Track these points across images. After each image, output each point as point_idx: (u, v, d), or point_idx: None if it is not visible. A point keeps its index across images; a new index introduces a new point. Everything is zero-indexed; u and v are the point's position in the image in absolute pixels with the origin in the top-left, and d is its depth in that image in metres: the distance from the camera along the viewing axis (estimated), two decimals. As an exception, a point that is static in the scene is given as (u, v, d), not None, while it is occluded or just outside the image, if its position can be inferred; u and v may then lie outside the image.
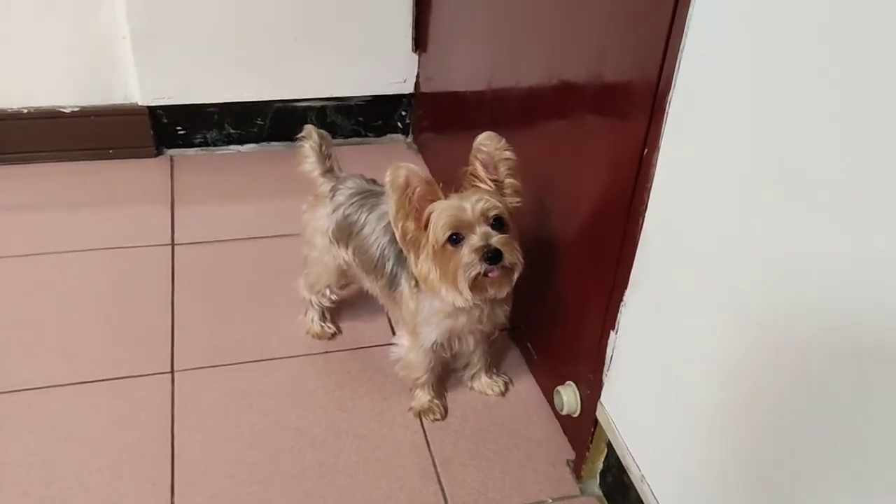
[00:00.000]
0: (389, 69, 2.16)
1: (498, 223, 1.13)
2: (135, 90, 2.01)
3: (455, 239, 1.12)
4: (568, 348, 1.33)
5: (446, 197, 1.14)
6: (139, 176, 2.03)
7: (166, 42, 1.95)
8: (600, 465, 1.26)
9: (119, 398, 1.37)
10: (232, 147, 2.17)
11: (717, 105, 0.85)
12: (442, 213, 1.12)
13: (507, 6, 1.48)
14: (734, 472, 0.90)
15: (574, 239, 1.25)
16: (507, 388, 1.45)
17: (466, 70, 1.76)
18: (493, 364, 1.46)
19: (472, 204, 1.11)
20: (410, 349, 1.33)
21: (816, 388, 0.75)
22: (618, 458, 1.17)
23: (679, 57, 0.89)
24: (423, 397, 1.38)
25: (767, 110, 0.78)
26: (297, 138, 1.41)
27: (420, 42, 2.11)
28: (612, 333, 1.13)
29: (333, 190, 1.37)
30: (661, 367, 1.03)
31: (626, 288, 1.08)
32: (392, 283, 1.30)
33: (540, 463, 1.32)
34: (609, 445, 1.21)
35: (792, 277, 0.77)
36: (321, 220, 1.39)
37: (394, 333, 1.52)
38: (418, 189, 1.12)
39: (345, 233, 1.35)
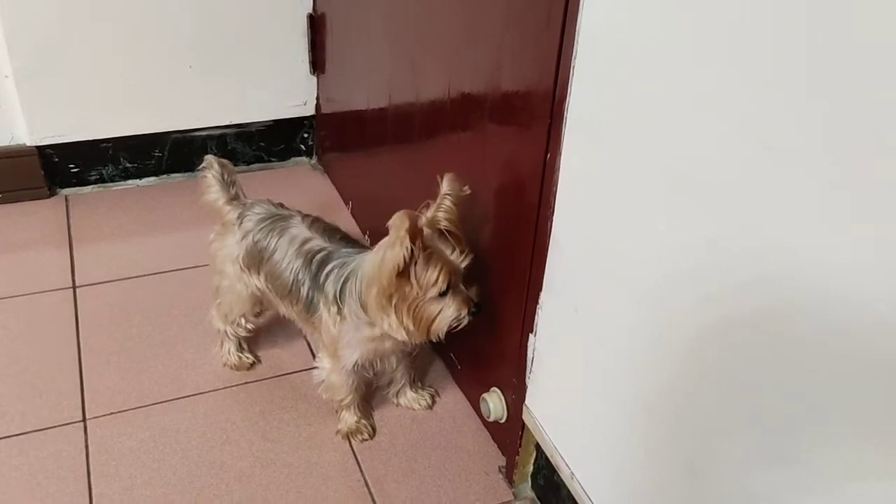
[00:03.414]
0: (288, 92, 2.14)
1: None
2: (22, 131, 1.91)
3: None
4: (490, 355, 1.35)
5: (424, 243, 1.11)
6: (32, 219, 1.94)
7: (53, 78, 1.87)
8: (531, 468, 1.28)
9: (29, 453, 1.30)
10: (130, 182, 2.10)
11: (613, 108, 0.88)
12: (443, 266, 1.12)
13: (403, 24, 1.49)
14: (659, 461, 0.93)
15: (487, 246, 1.27)
16: (433, 401, 1.46)
17: (366, 88, 1.77)
18: (418, 378, 1.46)
19: (458, 258, 1.14)
20: (332, 371, 1.31)
21: (727, 374, 0.78)
22: (547, 458, 1.19)
23: (573, 63, 0.92)
24: (349, 418, 1.37)
25: (660, 110, 0.81)
26: (198, 169, 1.39)
27: (318, 64, 2.10)
28: (531, 336, 1.15)
29: (241, 217, 1.35)
30: (580, 364, 1.06)
31: (541, 290, 1.10)
32: (309, 308, 1.28)
33: (472, 472, 1.32)
34: (538, 447, 1.23)
35: (695, 271, 0.80)
36: (230, 247, 1.36)
37: (314, 357, 1.50)
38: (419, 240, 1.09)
39: (256, 259, 1.33)
